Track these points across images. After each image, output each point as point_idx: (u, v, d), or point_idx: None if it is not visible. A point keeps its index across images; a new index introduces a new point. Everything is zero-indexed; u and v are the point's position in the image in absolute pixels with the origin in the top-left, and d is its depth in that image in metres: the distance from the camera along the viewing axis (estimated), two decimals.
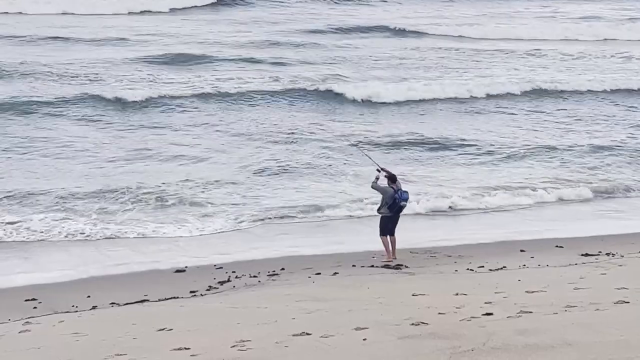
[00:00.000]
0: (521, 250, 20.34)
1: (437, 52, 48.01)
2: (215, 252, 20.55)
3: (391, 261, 19.42)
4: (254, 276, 18.46)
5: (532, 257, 19.48)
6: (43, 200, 23.22)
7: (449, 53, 48.13)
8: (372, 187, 20.23)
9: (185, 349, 12.18)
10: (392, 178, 20.18)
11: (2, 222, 21.48)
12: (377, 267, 19.06)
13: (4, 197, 23.37)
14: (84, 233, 21.40)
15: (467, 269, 18.48)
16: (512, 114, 36.19)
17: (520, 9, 67.05)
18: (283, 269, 19.02)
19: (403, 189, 20.12)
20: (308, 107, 35.64)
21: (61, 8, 58.33)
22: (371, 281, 17.32)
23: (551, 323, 12.43)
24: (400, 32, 54.52)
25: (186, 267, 19.40)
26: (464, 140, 31.08)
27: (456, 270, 18.30)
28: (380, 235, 19.87)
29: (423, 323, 12.74)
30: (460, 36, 55.04)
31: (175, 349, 12.21)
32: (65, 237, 21.21)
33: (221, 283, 18.01)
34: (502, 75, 42.09)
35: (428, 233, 22.28)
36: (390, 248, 19.77)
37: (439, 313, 13.48)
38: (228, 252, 20.60)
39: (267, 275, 18.50)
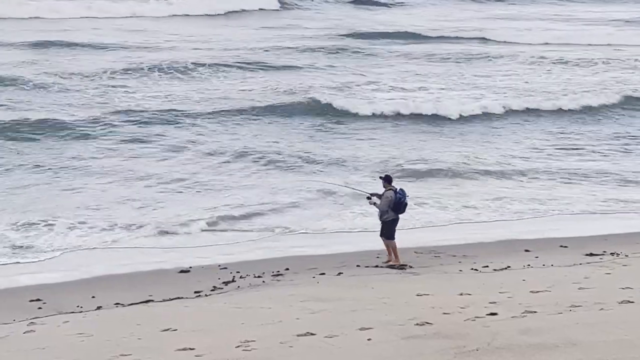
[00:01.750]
0: (525, 250, 20.33)
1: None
2: (220, 253, 20.55)
3: (398, 262, 19.31)
4: (258, 276, 18.46)
5: (537, 257, 19.46)
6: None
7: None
8: (381, 210, 19.63)
9: (190, 349, 12.20)
10: (387, 179, 19.96)
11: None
12: (381, 267, 19.04)
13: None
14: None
15: (472, 268, 18.47)
16: None
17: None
18: (287, 269, 19.03)
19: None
20: (310, 121, 34.51)
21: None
22: (375, 281, 17.32)
23: (555, 323, 12.44)
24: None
25: (190, 267, 19.40)
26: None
27: (460, 270, 18.29)
28: (391, 239, 19.60)
29: (427, 323, 12.75)
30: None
31: (179, 349, 12.24)
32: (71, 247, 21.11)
33: (225, 283, 18.02)
34: None
35: (432, 233, 22.27)
36: (396, 249, 19.63)
37: (444, 313, 13.49)
38: (232, 252, 20.60)
39: (272, 276, 18.50)
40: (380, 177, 20.31)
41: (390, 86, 40.34)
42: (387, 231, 19.61)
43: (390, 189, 19.70)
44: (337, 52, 47.88)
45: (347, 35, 53.72)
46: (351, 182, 25.23)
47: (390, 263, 19.29)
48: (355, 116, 35.09)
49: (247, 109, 35.15)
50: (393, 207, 19.56)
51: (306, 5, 65.88)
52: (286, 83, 40.07)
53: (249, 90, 38.70)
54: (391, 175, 20.47)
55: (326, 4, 66.96)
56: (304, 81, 40.56)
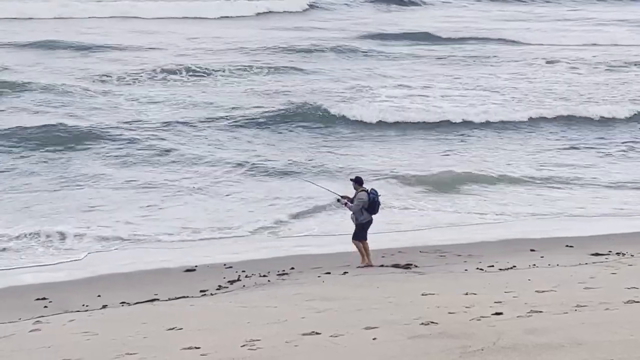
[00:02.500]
0: (531, 250, 20.31)
1: None
2: (225, 252, 20.57)
3: (371, 265, 19.05)
4: (264, 275, 18.48)
5: (542, 257, 19.44)
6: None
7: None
8: (355, 212, 19.32)
9: (196, 348, 12.21)
10: (358, 181, 19.64)
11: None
12: (386, 266, 19.02)
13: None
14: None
15: (477, 268, 18.46)
16: None
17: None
18: (293, 268, 19.04)
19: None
20: (314, 129, 33.63)
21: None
22: (381, 280, 17.32)
23: (561, 322, 12.43)
24: None
25: (196, 266, 19.42)
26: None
27: (466, 270, 18.29)
28: (354, 239, 19.38)
29: (433, 322, 12.74)
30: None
31: (185, 348, 12.25)
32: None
33: (231, 282, 18.03)
34: None
35: (437, 232, 22.28)
36: (365, 253, 19.37)
37: (449, 312, 13.48)
38: (237, 251, 20.62)
39: (277, 275, 18.52)
40: (351, 179, 19.94)
41: (398, 87, 39.89)
42: (360, 232, 19.36)
43: (362, 190, 19.43)
44: (353, 54, 47.44)
45: (366, 37, 53.04)
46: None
47: (366, 264, 19.11)
48: (359, 123, 34.37)
49: (251, 116, 34.54)
50: (368, 207, 19.29)
51: (335, 7, 65.44)
52: (293, 86, 39.65)
53: (255, 92, 38.33)
54: (361, 177, 20.11)
55: (357, 4, 66.42)
56: (311, 85, 40.13)
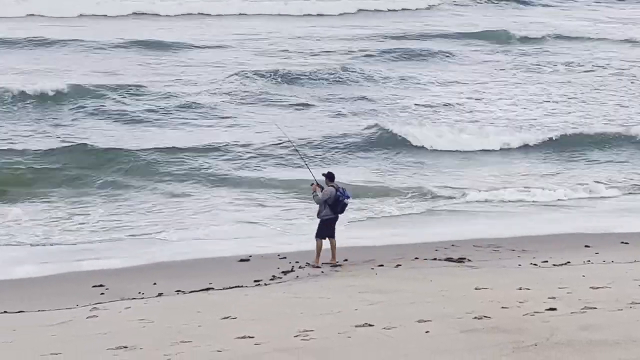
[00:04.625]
0: (586, 246, 20.16)
1: None
2: (279, 242, 20.68)
3: (320, 266, 18.71)
4: (317, 267, 18.57)
5: (597, 253, 19.30)
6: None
7: None
8: (319, 203, 19.14)
9: (249, 337, 12.33)
10: (330, 177, 19.37)
11: None
12: (439, 260, 19.00)
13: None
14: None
15: (531, 263, 18.39)
16: None
17: None
18: (346, 260, 19.10)
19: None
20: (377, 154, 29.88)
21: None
22: (434, 274, 17.32)
23: (616, 319, 12.37)
24: None
25: (250, 256, 19.56)
26: None
27: (519, 265, 18.22)
28: (317, 237, 19.12)
29: (486, 317, 12.75)
30: None
31: (239, 337, 12.37)
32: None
33: (285, 273, 18.15)
34: None
35: (490, 226, 22.19)
36: (320, 252, 19.01)
37: (502, 307, 13.47)
38: (291, 242, 20.71)
39: (330, 266, 18.61)
40: (323, 174, 19.64)
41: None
42: (327, 229, 19.12)
43: (332, 186, 19.25)
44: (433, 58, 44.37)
45: (483, 40, 49.22)
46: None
47: (314, 265, 18.84)
48: (426, 150, 30.47)
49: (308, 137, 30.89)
50: (331, 203, 19.08)
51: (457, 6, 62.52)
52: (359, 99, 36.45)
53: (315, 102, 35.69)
54: (333, 173, 19.64)
55: (475, 4, 63.38)
56: (381, 97, 36.74)
